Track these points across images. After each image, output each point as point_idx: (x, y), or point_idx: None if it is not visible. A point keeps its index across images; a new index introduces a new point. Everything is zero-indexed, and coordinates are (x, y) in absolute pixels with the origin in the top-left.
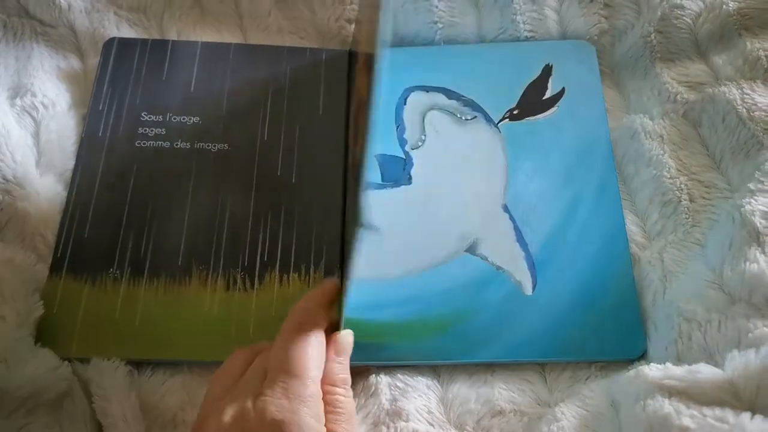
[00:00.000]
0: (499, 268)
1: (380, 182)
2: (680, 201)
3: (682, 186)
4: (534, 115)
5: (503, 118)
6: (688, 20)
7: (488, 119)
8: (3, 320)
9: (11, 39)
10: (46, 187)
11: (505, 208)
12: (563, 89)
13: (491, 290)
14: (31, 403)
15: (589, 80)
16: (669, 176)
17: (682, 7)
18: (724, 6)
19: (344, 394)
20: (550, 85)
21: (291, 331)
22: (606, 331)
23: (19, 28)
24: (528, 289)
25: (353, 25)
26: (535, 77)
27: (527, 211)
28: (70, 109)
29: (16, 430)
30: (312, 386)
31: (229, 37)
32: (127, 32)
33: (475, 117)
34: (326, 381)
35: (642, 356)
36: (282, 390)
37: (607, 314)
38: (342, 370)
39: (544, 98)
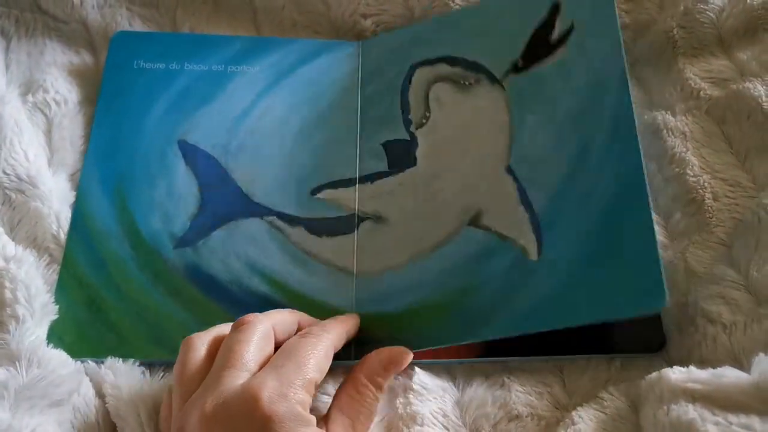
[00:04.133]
0: (503, 236)
1: (387, 170)
2: (704, 200)
3: (706, 184)
4: (540, 61)
5: (507, 73)
6: (712, 15)
7: (492, 78)
8: (17, 321)
9: (23, 34)
10: (58, 186)
11: (509, 170)
12: (572, 24)
13: (495, 262)
14: (43, 403)
15: (602, 6)
16: (692, 174)
17: (706, 2)
18: (748, 0)
19: (374, 394)
20: (558, 23)
21: (307, 335)
22: (620, 287)
23: (31, 24)
24: (533, 254)
25: (368, 20)
26: (541, 21)
27: (532, 167)
28: (82, 106)
29: (30, 429)
30: (304, 377)
31: (243, 31)
32: (140, 27)
33: (479, 79)
34: (366, 374)
35: (661, 347)
36: (276, 373)
37: (622, 268)
38: (384, 377)
39: (551, 40)
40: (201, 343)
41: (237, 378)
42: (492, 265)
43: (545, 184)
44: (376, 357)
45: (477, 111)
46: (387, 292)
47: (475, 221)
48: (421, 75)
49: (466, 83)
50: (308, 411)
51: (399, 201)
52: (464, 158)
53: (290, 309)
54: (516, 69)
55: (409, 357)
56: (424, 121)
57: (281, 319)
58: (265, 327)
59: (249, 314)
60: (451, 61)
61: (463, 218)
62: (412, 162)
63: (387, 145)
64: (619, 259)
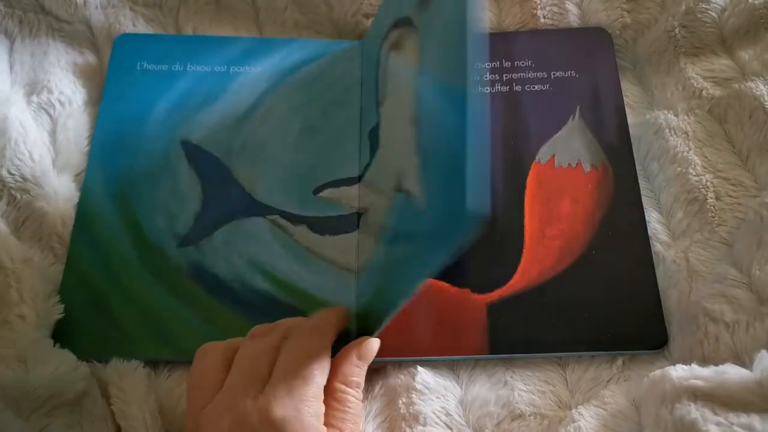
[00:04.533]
0: (408, 193)
1: (369, 160)
2: (706, 199)
3: (708, 184)
4: None
5: (420, 13)
6: (714, 14)
7: (412, 26)
8: (23, 320)
9: (27, 35)
10: (62, 186)
11: (413, 120)
12: None
13: (406, 222)
14: (50, 404)
15: None
16: (695, 173)
17: (708, 1)
18: (749, 0)
19: (355, 396)
20: None
21: (301, 338)
22: (453, 212)
23: (35, 24)
24: (421, 203)
25: (370, 20)
26: None
27: (428, 106)
28: (86, 107)
29: (37, 430)
30: (315, 388)
31: (245, 32)
32: (143, 28)
33: (408, 32)
34: (340, 380)
35: (663, 345)
36: (285, 389)
37: (455, 190)
38: (358, 374)
39: None
40: (217, 352)
41: (251, 392)
42: (405, 227)
43: (426, 119)
44: (343, 358)
45: (406, 67)
46: (367, 283)
47: (398, 186)
48: (382, 51)
49: (402, 43)
50: (322, 422)
51: (374, 188)
52: (397, 123)
53: (302, 317)
54: (423, 4)
55: (375, 344)
56: (384, 98)
57: (295, 327)
58: (278, 338)
59: (263, 324)
60: (395, 24)
61: (393, 187)
62: (377, 144)
63: (370, 134)
64: (455, 181)
